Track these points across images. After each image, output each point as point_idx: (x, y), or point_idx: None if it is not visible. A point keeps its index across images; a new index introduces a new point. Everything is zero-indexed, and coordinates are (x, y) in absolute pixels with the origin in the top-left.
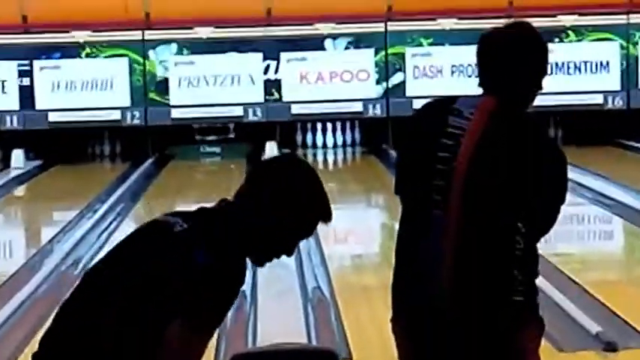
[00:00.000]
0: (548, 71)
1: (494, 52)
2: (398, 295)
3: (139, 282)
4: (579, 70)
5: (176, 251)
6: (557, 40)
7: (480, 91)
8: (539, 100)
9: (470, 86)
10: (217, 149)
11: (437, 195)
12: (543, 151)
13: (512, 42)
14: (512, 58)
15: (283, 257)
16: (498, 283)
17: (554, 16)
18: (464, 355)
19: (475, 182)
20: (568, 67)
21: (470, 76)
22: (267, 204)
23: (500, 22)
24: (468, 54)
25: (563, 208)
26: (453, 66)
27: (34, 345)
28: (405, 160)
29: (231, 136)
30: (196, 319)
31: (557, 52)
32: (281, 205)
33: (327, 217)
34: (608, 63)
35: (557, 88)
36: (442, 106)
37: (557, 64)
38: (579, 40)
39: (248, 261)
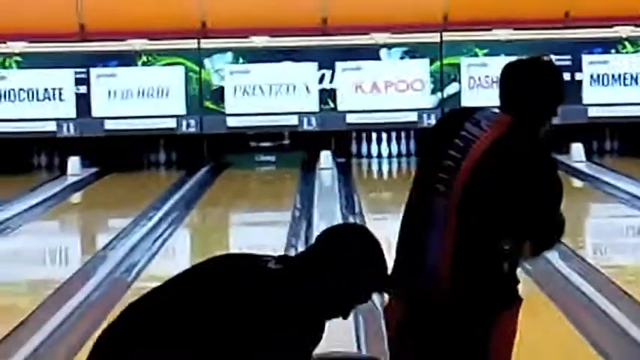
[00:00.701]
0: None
1: (513, 78)
2: (398, 285)
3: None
4: (635, 81)
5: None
6: (613, 50)
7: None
8: (596, 112)
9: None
10: (272, 158)
11: (442, 186)
12: (536, 170)
13: (529, 70)
14: (527, 84)
15: None
16: (489, 276)
17: (610, 26)
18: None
19: (474, 183)
20: (624, 79)
21: None
22: (338, 270)
23: (557, 33)
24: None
25: (617, 220)
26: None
27: (85, 353)
28: (420, 155)
29: (286, 142)
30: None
31: (614, 62)
32: (348, 272)
33: (381, 289)
34: None
35: (613, 100)
36: (462, 113)
37: (613, 76)
38: (636, 51)
39: None
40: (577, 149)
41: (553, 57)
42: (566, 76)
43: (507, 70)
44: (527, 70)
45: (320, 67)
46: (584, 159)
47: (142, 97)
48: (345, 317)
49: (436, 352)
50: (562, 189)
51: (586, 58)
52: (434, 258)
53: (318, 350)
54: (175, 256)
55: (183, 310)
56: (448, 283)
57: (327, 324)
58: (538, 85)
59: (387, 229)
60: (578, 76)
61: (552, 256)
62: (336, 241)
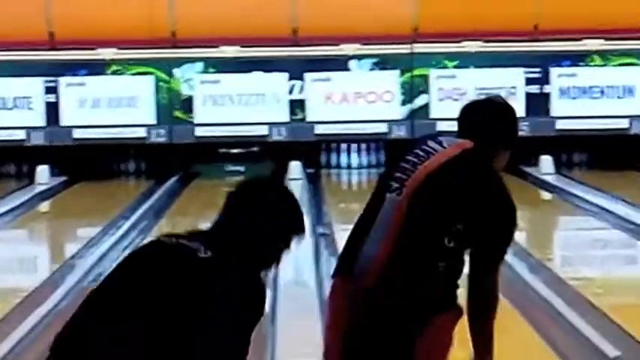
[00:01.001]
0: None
1: (475, 112)
2: (339, 268)
3: (171, 307)
4: (604, 94)
5: (207, 278)
6: (582, 63)
7: None
8: (564, 124)
9: None
10: (241, 168)
11: (395, 184)
12: (483, 192)
13: (490, 106)
14: (488, 116)
15: (304, 277)
16: (425, 273)
17: (579, 39)
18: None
19: (426, 185)
20: (593, 91)
21: None
22: (259, 223)
23: (526, 45)
24: (493, 77)
25: (586, 233)
26: (477, 88)
27: None
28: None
29: (255, 149)
30: (229, 340)
31: (582, 75)
32: (268, 223)
33: (302, 232)
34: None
35: (582, 112)
36: (430, 135)
37: (581, 88)
38: (604, 65)
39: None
40: (546, 161)
41: (522, 69)
42: (535, 89)
43: (468, 107)
44: (488, 106)
45: (290, 78)
46: (553, 171)
47: (111, 106)
48: (277, 265)
49: (363, 339)
50: (510, 210)
51: (554, 71)
52: (374, 248)
53: None
54: None
55: (130, 290)
56: (379, 274)
57: (297, 336)
58: (497, 117)
59: None
60: (546, 88)
61: (521, 268)
62: (245, 198)
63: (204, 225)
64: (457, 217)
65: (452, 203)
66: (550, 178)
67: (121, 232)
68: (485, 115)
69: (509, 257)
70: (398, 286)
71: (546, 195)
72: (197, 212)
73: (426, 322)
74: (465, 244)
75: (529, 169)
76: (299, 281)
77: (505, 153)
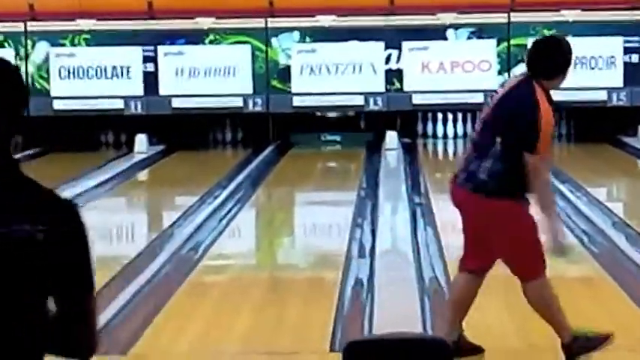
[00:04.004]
0: (564, 69)
1: (530, 50)
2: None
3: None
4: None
5: None
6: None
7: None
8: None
9: (593, 78)
10: (338, 137)
11: (482, 113)
12: (521, 104)
13: (539, 44)
14: (535, 53)
15: (401, 246)
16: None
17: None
18: None
19: (494, 107)
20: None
21: (593, 68)
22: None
23: (625, 14)
24: (591, 46)
25: None
26: (576, 57)
27: (153, 328)
28: None
29: (351, 113)
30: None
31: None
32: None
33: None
34: None
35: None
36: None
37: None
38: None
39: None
40: None
41: (621, 38)
42: (634, 58)
43: (531, 45)
44: (533, 44)
45: (387, 47)
46: None
47: (209, 75)
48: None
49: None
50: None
51: None
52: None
53: (385, 330)
54: (241, 235)
55: None
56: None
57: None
58: (536, 52)
59: (452, 209)
60: None
61: (619, 239)
62: None
63: (301, 195)
64: (501, 126)
65: (497, 117)
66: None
67: (218, 201)
68: (528, 52)
69: (608, 228)
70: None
71: None
72: (294, 182)
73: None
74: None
75: (628, 139)
76: (396, 250)
77: (548, 82)
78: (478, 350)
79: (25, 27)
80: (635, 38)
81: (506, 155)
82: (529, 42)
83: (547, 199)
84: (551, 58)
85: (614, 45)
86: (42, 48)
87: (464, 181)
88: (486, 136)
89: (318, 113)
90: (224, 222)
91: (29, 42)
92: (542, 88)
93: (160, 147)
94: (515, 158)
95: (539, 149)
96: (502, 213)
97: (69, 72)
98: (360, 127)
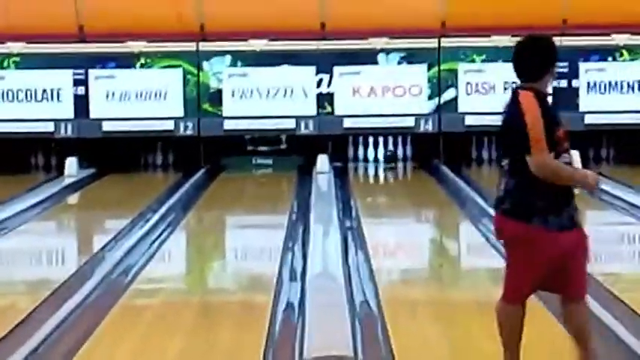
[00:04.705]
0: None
1: (514, 55)
2: None
3: None
4: (632, 89)
5: None
6: (610, 58)
7: None
8: (592, 119)
9: None
10: (269, 161)
11: None
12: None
13: (520, 47)
14: (518, 57)
15: (332, 270)
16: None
17: (608, 34)
18: None
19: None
20: (621, 86)
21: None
22: None
23: (555, 40)
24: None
25: (614, 227)
26: (505, 82)
27: (84, 352)
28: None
29: (283, 147)
30: None
31: (610, 70)
32: None
33: None
34: None
35: (610, 107)
36: None
37: (610, 83)
38: (633, 59)
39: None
40: (574, 156)
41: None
42: (563, 84)
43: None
44: (516, 48)
45: (318, 71)
46: (580, 166)
47: (140, 99)
48: None
49: None
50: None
51: (583, 66)
52: None
53: (316, 355)
54: (172, 259)
55: None
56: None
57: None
58: (516, 58)
59: (383, 233)
60: (574, 83)
61: None
62: None
63: (232, 218)
64: (503, 143)
65: (499, 136)
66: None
67: (149, 225)
68: (517, 56)
69: None
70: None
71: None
72: (225, 205)
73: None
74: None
75: None
76: (327, 274)
77: (535, 83)
78: None
79: None
80: (565, 63)
81: (513, 169)
82: (459, 67)
83: (571, 176)
84: (528, 59)
85: None
86: None
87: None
88: (503, 157)
89: (250, 147)
90: (155, 246)
91: None
92: (531, 90)
93: (91, 170)
94: (523, 171)
95: (535, 146)
96: (515, 235)
97: None
98: (290, 150)
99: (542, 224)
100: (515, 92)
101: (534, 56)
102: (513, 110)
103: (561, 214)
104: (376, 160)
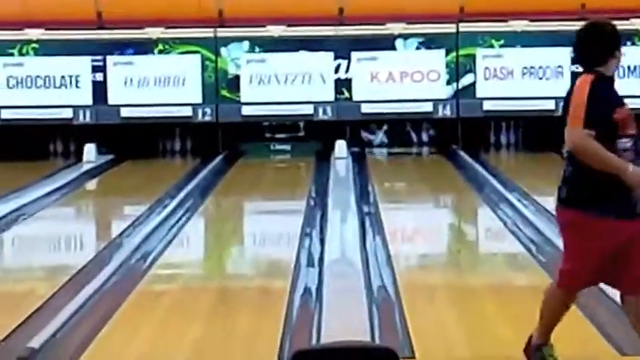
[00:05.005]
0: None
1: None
2: None
3: None
4: None
5: None
6: (629, 43)
7: None
8: None
9: (540, 88)
10: (287, 147)
11: None
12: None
13: (579, 34)
14: (577, 44)
15: (350, 256)
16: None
17: (627, 19)
18: None
19: None
20: (638, 71)
21: (540, 78)
22: None
23: (573, 24)
24: (539, 56)
25: None
26: (524, 68)
27: (101, 338)
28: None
29: (301, 134)
30: None
31: (628, 54)
32: None
33: None
34: None
35: (627, 92)
36: None
37: (629, 68)
38: None
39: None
40: None
41: (568, 49)
42: (581, 68)
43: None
44: (577, 36)
45: (336, 57)
46: None
47: (158, 85)
48: None
49: None
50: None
51: None
52: None
53: (333, 339)
54: (190, 245)
55: None
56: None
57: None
58: (575, 47)
59: (401, 219)
60: None
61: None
62: None
63: (250, 204)
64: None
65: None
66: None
67: (167, 211)
68: (576, 44)
69: (554, 236)
70: None
71: None
72: (243, 191)
73: None
74: None
75: None
76: (345, 259)
77: (600, 68)
78: None
79: None
80: None
81: (570, 155)
82: (477, 52)
83: (604, 161)
84: (587, 47)
85: (562, 55)
86: None
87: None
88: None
89: (268, 134)
90: (173, 231)
91: None
92: (593, 73)
93: (109, 156)
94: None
95: (572, 121)
96: (570, 223)
97: (17, 81)
98: (308, 136)
99: (597, 212)
100: (578, 77)
101: (593, 44)
102: (568, 93)
103: (618, 202)
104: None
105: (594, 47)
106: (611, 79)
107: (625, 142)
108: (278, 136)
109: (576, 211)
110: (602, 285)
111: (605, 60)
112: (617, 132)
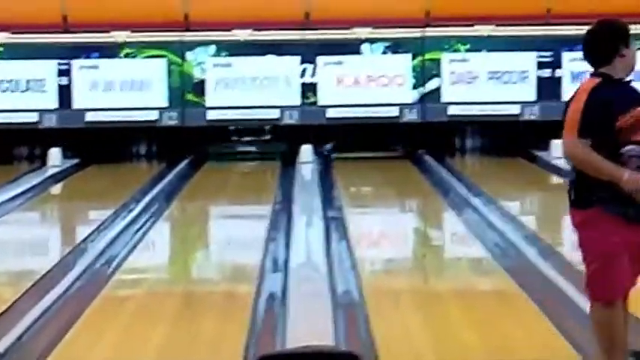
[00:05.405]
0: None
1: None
2: None
3: None
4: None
5: None
6: None
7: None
8: None
9: (506, 93)
10: (253, 150)
11: None
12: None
13: (586, 35)
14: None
15: (315, 260)
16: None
17: (591, 24)
18: None
19: None
20: None
21: (506, 83)
22: None
23: (539, 29)
24: (505, 60)
25: None
26: (489, 72)
27: (66, 342)
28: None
29: (267, 137)
30: None
31: None
32: None
33: None
34: None
35: None
36: None
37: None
38: None
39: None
40: (556, 146)
41: (534, 53)
42: (547, 73)
43: None
44: (585, 35)
45: (302, 61)
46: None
47: (124, 89)
48: None
49: None
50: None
51: (566, 55)
52: None
53: (298, 344)
54: (155, 249)
55: None
56: None
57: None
58: (589, 42)
59: (366, 223)
60: (558, 72)
61: (530, 252)
62: None
63: (215, 208)
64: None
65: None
66: (561, 163)
67: (132, 215)
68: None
69: (519, 240)
70: None
71: (557, 179)
72: (208, 195)
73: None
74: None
75: (540, 153)
76: (310, 264)
77: (607, 68)
78: None
79: None
80: (548, 53)
81: None
82: (443, 56)
83: (600, 169)
84: (592, 45)
85: (527, 59)
86: None
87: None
88: None
89: (234, 137)
90: (138, 236)
91: None
92: (599, 76)
93: (74, 161)
94: None
95: (566, 129)
96: (584, 222)
97: None
98: (274, 140)
99: (603, 207)
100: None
101: (598, 43)
102: (570, 98)
103: (626, 205)
104: (360, 150)
105: (599, 46)
106: (620, 82)
107: (631, 149)
108: (244, 139)
109: (584, 210)
110: (569, 291)
111: (610, 59)
112: (621, 138)
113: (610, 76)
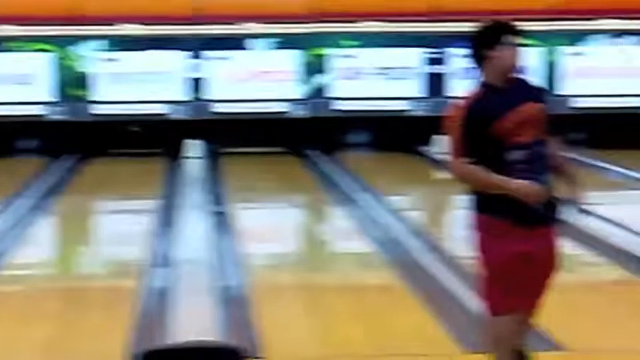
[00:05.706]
0: None
1: None
2: None
3: None
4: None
5: None
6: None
7: None
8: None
9: (392, 88)
10: (140, 143)
11: None
12: None
13: None
14: None
15: (200, 255)
16: None
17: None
18: None
19: None
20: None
21: (393, 79)
22: None
23: (423, 26)
24: (392, 56)
25: None
26: (376, 68)
27: None
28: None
29: (148, 132)
30: None
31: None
32: None
33: None
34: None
35: None
36: None
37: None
38: None
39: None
40: (436, 141)
41: (420, 50)
42: (433, 69)
43: None
44: None
45: (189, 56)
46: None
47: (8, 83)
48: None
49: None
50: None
51: (453, 52)
52: None
53: (183, 339)
54: (39, 245)
55: None
56: None
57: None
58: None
59: (252, 218)
60: (444, 69)
61: (414, 246)
62: None
63: (100, 203)
64: None
65: None
66: (443, 158)
67: (16, 210)
68: None
69: (403, 235)
70: None
71: (440, 174)
72: (94, 190)
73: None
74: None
75: (426, 149)
76: (195, 259)
77: (482, 74)
78: None
79: None
80: (435, 49)
81: None
82: (330, 52)
83: (486, 183)
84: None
85: (413, 56)
86: None
87: None
88: None
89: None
90: (22, 231)
91: None
92: (482, 85)
93: None
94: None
95: (450, 152)
96: (475, 225)
97: None
98: (158, 135)
99: (494, 214)
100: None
101: (470, 51)
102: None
103: (519, 210)
104: (249, 144)
105: (471, 56)
106: (495, 87)
107: (514, 154)
108: (132, 131)
109: (479, 214)
110: (452, 285)
111: (481, 66)
112: (506, 145)
113: (487, 84)
